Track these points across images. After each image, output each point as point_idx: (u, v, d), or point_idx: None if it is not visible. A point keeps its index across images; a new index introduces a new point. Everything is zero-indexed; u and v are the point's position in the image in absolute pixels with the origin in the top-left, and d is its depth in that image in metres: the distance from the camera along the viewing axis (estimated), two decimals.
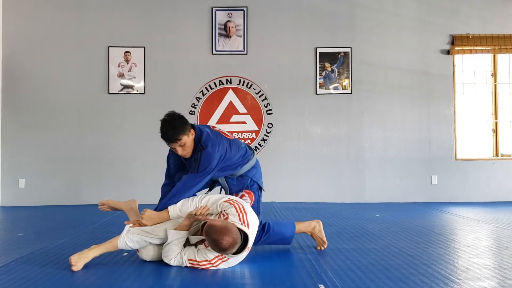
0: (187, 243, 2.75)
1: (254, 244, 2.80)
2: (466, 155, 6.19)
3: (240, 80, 6.06)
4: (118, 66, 5.97)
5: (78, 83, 5.96)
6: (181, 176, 2.94)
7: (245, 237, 2.59)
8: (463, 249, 3.20)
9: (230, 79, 6.06)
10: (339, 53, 6.08)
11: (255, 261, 2.81)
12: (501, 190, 6.06)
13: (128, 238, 2.68)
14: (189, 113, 6.00)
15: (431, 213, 5.05)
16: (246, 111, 6.06)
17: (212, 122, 6.00)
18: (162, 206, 2.84)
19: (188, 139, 2.82)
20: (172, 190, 2.87)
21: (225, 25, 6.04)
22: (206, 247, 2.62)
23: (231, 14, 6.05)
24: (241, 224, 2.59)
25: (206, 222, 2.57)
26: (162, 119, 2.89)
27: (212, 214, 2.76)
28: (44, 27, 5.97)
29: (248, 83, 6.05)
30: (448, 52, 6.11)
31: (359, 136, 6.09)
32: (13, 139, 5.89)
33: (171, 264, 2.65)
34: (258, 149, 5.98)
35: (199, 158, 2.82)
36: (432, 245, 3.30)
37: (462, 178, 6.07)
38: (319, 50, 6.07)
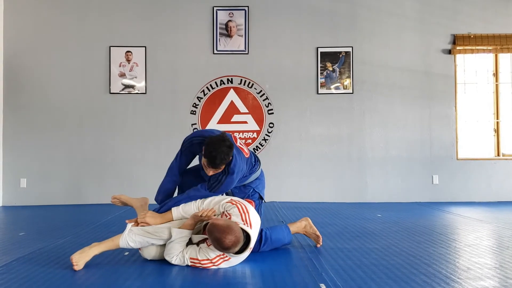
0: (189, 242, 2.75)
1: (253, 252, 2.80)
2: (468, 155, 6.18)
3: (241, 79, 6.06)
4: (120, 66, 5.98)
5: (79, 83, 5.97)
6: (190, 180, 2.98)
7: (247, 236, 2.60)
8: (464, 248, 3.20)
9: (232, 78, 6.06)
10: (340, 52, 6.08)
11: (256, 260, 2.81)
12: (502, 190, 6.05)
13: (130, 238, 2.68)
14: (191, 113, 6.01)
15: (432, 213, 5.05)
16: (247, 111, 6.06)
17: (213, 121, 6.00)
18: (166, 208, 2.85)
19: (224, 166, 2.80)
20: (181, 195, 2.88)
21: (226, 24, 6.05)
22: (208, 246, 2.62)
23: (233, 13, 6.05)
24: (244, 224, 2.59)
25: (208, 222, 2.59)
26: (213, 140, 2.72)
27: (216, 215, 2.76)
28: (46, 27, 5.97)
29: (249, 82, 6.05)
30: (449, 52, 6.11)
31: (360, 136, 6.09)
32: (15, 139, 5.90)
33: (173, 262, 2.65)
34: (259, 148, 5.98)
35: (221, 180, 2.82)
36: (433, 244, 3.30)
37: (463, 178, 6.07)
38: (320, 50, 6.07)
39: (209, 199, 2.81)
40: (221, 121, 6.01)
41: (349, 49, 6.08)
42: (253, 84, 6.06)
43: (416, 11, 6.14)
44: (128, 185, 5.84)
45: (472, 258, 2.88)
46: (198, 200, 2.82)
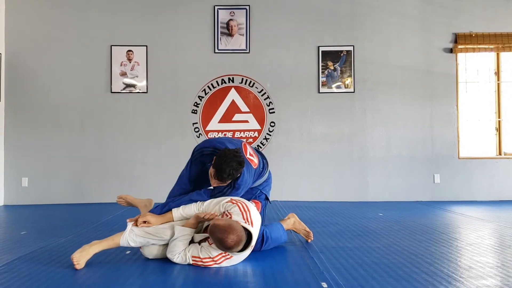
0: (191, 241, 2.75)
1: (254, 251, 2.80)
2: (469, 154, 6.17)
3: (242, 79, 6.05)
4: (121, 65, 5.98)
5: (80, 82, 5.98)
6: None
7: (249, 235, 2.60)
8: (466, 247, 3.19)
9: (233, 77, 6.06)
10: (341, 51, 6.07)
11: (258, 259, 2.81)
12: (504, 188, 6.05)
13: (131, 238, 2.68)
14: (192, 112, 6.01)
15: (434, 211, 5.04)
16: (249, 110, 6.05)
17: (214, 121, 6.00)
18: (168, 208, 2.85)
19: (229, 182, 2.82)
20: (184, 197, 2.89)
21: (227, 23, 6.04)
22: (210, 244, 2.62)
23: (234, 12, 6.05)
24: (245, 222, 2.59)
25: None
26: (226, 153, 2.72)
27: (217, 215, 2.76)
28: (47, 27, 5.98)
29: (250, 82, 6.05)
30: (451, 51, 6.10)
31: (361, 135, 6.09)
32: (16, 138, 5.90)
33: (174, 261, 2.65)
34: (261, 148, 5.98)
35: (225, 193, 2.85)
36: (435, 243, 3.30)
37: (465, 177, 6.06)
38: (321, 49, 6.07)
39: (208, 200, 2.82)
40: (222, 120, 6.01)
41: (351, 48, 6.07)
42: (254, 83, 6.05)
43: (417, 9, 6.13)
44: (129, 184, 5.85)
45: (473, 257, 2.87)
46: (199, 201, 2.83)
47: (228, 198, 2.76)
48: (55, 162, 5.92)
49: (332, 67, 6.06)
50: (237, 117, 6.05)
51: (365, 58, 6.09)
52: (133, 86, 6.00)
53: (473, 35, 6.07)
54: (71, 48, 5.98)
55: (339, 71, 6.08)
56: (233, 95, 6.05)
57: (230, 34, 6.05)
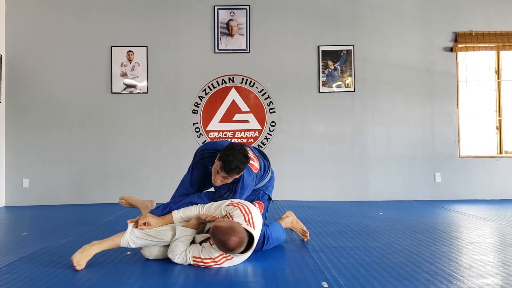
0: (192, 242, 2.75)
1: (255, 251, 2.80)
2: (470, 153, 6.16)
3: (242, 78, 6.05)
4: (121, 66, 5.98)
5: (81, 82, 5.98)
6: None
7: (250, 237, 2.60)
8: (466, 246, 3.19)
9: (233, 77, 6.06)
10: (342, 51, 6.07)
11: (258, 259, 2.81)
12: (505, 187, 6.04)
13: (131, 240, 2.68)
14: (192, 112, 6.01)
15: (434, 211, 5.04)
16: (249, 110, 6.05)
17: (215, 121, 6.00)
18: (168, 210, 2.84)
19: (234, 177, 2.77)
20: (184, 199, 2.88)
21: (227, 23, 6.04)
22: (211, 245, 2.63)
23: (234, 12, 6.05)
24: (247, 224, 2.59)
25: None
26: (233, 146, 2.71)
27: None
28: (47, 27, 5.98)
29: (251, 81, 6.05)
30: (451, 50, 6.09)
31: (362, 134, 6.08)
32: (17, 139, 5.91)
33: (175, 261, 2.66)
34: (261, 147, 5.98)
35: (225, 198, 2.83)
36: (436, 242, 3.30)
37: (466, 176, 6.05)
38: (321, 48, 6.06)
39: (209, 203, 2.81)
40: (223, 120, 6.01)
41: (351, 47, 6.07)
42: (254, 83, 6.05)
43: (417, 9, 6.13)
44: (130, 185, 5.85)
45: (474, 256, 2.87)
46: (199, 204, 2.83)
47: (228, 201, 2.76)
48: (56, 163, 5.92)
49: (332, 67, 6.06)
50: (237, 117, 6.05)
51: (365, 57, 6.08)
52: (134, 86, 6.00)
53: (473, 34, 6.07)
54: (72, 49, 5.98)
55: (339, 71, 6.07)
56: (233, 95, 6.05)
57: (230, 34, 6.05)
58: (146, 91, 6.01)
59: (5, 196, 5.88)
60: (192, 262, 2.63)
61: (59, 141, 5.93)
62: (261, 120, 6.05)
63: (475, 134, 6.22)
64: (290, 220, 3.39)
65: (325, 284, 2.29)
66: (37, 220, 4.75)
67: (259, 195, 3.20)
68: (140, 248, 2.81)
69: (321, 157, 6.06)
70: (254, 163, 2.98)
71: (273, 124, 6.06)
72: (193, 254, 2.63)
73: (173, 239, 2.68)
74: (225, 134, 5.98)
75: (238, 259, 2.66)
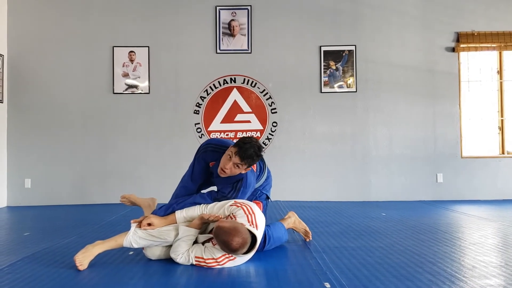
0: (195, 242, 2.75)
1: (257, 251, 2.80)
2: (472, 153, 6.15)
3: (244, 79, 6.06)
4: (123, 66, 5.99)
5: (83, 83, 5.99)
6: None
7: (253, 237, 2.60)
8: (469, 247, 3.18)
9: (235, 78, 6.06)
10: (343, 51, 6.07)
11: (261, 259, 2.81)
12: (507, 187, 6.03)
13: (134, 240, 2.69)
14: (194, 112, 6.01)
15: (436, 211, 5.03)
16: (251, 110, 6.05)
17: (216, 121, 6.00)
18: (171, 210, 2.85)
19: (243, 169, 2.77)
20: (187, 199, 2.88)
21: (229, 24, 6.04)
22: (214, 245, 2.63)
23: (235, 13, 6.05)
24: (250, 225, 2.59)
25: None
26: (248, 137, 2.80)
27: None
28: (49, 28, 5.99)
29: (252, 82, 6.05)
30: (453, 50, 6.09)
31: (364, 134, 6.08)
32: (19, 139, 5.92)
33: (178, 261, 2.66)
34: (263, 148, 5.96)
35: (228, 198, 2.84)
36: (438, 243, 3.29)
37: (468, 176, 6.04)
38: (323, 49, 6.06)
39: (212, 203, 2.81)
40: (225, 120, 6.01)
41: (352, 48, 6.07)
42: (256, 83, 6.05)
43: (419, 9, 6.12)
44: (131, 185, 5.85)
45: (477, 256, 2.87)
46: (202, 204, 2.83)
47: (232, 201, 2.76)
48: (57, 163, 5.93)
49: (334, 67, 6.06)
50: (239, 117, 6.05)
51: (367, 57, 6.08)
52: (135, 86, 6.01)
53: (475, 34, 6.06)
54: (73, 50, 5.99)
55: (341, 71, 6.07)
56: (235, 95, 6.05)
57: (231, 35, 6.05)
58: (147, 92, 6.02)
59: (7, 196, 5.89)
60: (194, 262, 2.63)
61: (61, 142, 5.94)
62: (262, 120, 6.05)
63: (477, 134, 6.21)
64: (292, 220, 3.40)
65: (327, 285, 2.29)
66: (39, 220, 4.76)
67: (257, 195, 3.20)
68: (143, 248, 2.81)
69: (322, 157, 6.06)
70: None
71: (274, 124, 6.06)
72: (195, 254, 2.63)
73: (176, 239, 2.69)
74: (227, 135, 5.98)
75: (240, 260, 2.66)
